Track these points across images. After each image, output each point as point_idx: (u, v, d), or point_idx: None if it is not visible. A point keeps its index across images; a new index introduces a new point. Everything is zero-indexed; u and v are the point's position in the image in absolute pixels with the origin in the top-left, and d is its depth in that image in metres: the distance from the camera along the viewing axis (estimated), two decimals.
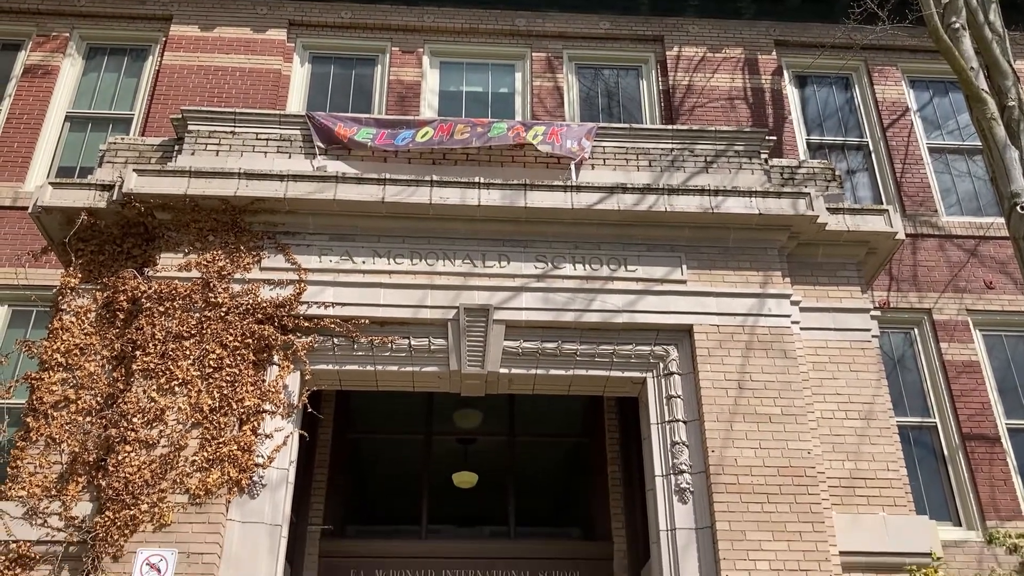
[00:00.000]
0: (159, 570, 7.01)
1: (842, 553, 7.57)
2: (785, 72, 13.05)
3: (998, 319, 10.97)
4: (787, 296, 8.44)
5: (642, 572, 8.96)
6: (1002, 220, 9.58)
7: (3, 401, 8.48)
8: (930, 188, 12.03)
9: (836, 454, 8.06)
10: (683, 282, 8.45)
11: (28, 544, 7.11)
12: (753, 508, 7.53)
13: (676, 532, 7.59)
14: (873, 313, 8.82)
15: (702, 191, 8.56)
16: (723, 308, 8.35)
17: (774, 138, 9.72)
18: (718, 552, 7.36)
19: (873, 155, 12.46)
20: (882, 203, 11.67)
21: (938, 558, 7.21)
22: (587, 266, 8.48)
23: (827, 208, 8.78)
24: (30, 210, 8.37)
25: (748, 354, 8.15)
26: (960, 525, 9.68)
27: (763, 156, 9.32)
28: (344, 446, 10.39)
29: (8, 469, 7.50)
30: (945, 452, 10.14)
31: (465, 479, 11.32)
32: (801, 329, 8.49)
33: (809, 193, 8.59)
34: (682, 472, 7.78)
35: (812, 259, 8.90)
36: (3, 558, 7.04)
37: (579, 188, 8.49)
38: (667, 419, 8.04)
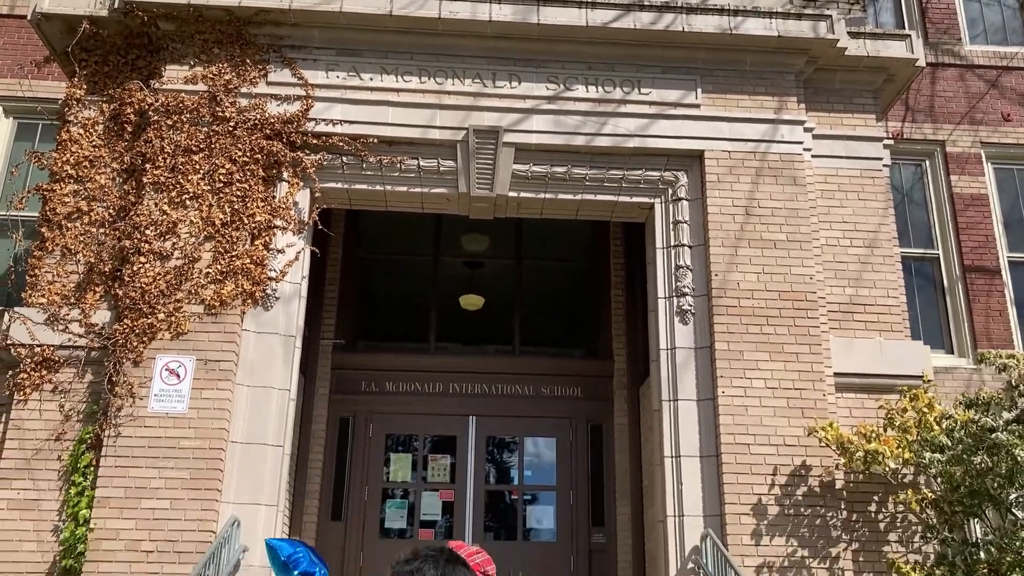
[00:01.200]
0: (178, 375, 7.31)
1: (836, 374, 7.84)
2: None
3: (1011, 152, 10.87)
4: (801, 123, 8.34)
5: (641, 388, 9.33)
6: None
7: (17, 213, 8.55)
8: (956, 15, 11.62)
9: (838, 280, 8.20)
10: (697, 106, 8.32)
11: (51, 348, 7.39)
12: (752, 330, 7.74)
13: (676, 351, 7.84)
14: (886, 142, 8.74)
15: (721, 10, 8.29)
16: (736, 134, 8.26)
17: None
18: (715, 370, 7.63)
19: None
20: (904, 29, 11.29)
21: (928, 380, 7.47)
22: (600, 88, 8.33)
23: (848, 32, 8.52)
24: (29, 17, 8.16)
25: (758, 180, 8.14)
26: (952, 353, 9.97)
27: None
28: (354, 266, 10.57)
29: (27, 277, 7.69)
30: (945, 283, 10.30)
31: (472, 301, 11.55)
32: (812, 156, 8.43)
33: (831, 15, 8.31)
34: (685, 295, 7.94)
35: (828, 85, 8.73)
36: (29, 361, 7.34)
37: (594, 4, 8.21)
38: (673, 243, 8.13)
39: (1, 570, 6.93)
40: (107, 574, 6.82)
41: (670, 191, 8.25)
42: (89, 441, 7.20)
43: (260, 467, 7.31)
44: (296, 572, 6.29)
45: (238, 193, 7.74)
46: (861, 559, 7.46)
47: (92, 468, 7.14)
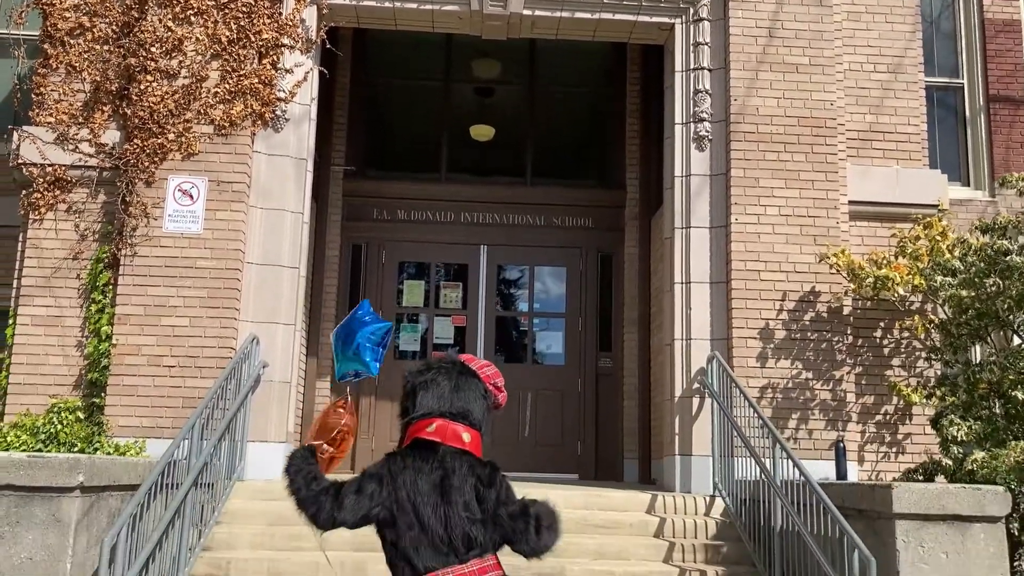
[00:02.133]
0: (191, 196, 7.31)
1: (851, 202, 7.80)
2: None
3: None
4: None
5: (652, 219, 9.32)
6: None
7: (17, 31, 8.30)
8: None
9: (859, 107, 8.03)
10: None
11: (63, 168, 7.37)
12: (769, 157, 7.64)
13: (691, 178, 7.78)
14: None
15: None
16: None
17: None
18: (730, 197, 7.59)
19: None
20: None
21: (943, 209, 7.43)
22: None
23: None
24: None
25: (783, 0, 7.82)
26: (969, 185, 9.86)
27: None
28: (362, 92, 10.34)
29: (32, 96, 7.57)
30: (967, 114, 10.05)
31: (482, 132, 11.37)
32: None
33: None
34: (702, 120, 7.80)
35: None
36: (41, 180, 7.33)
37: None
38: (692, 67, 7.91)
39: (31, 382, 7.19)
40: (131, 387, 7.07)
41: (691, 11, 7.95)
42: (106, 260, 7.29)
43: (276, 288, 7.42)
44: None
45: (243, 9, 7.50)
46: (863, 382, 7.68)
47: (111, 286, 7.26)
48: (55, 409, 7.02)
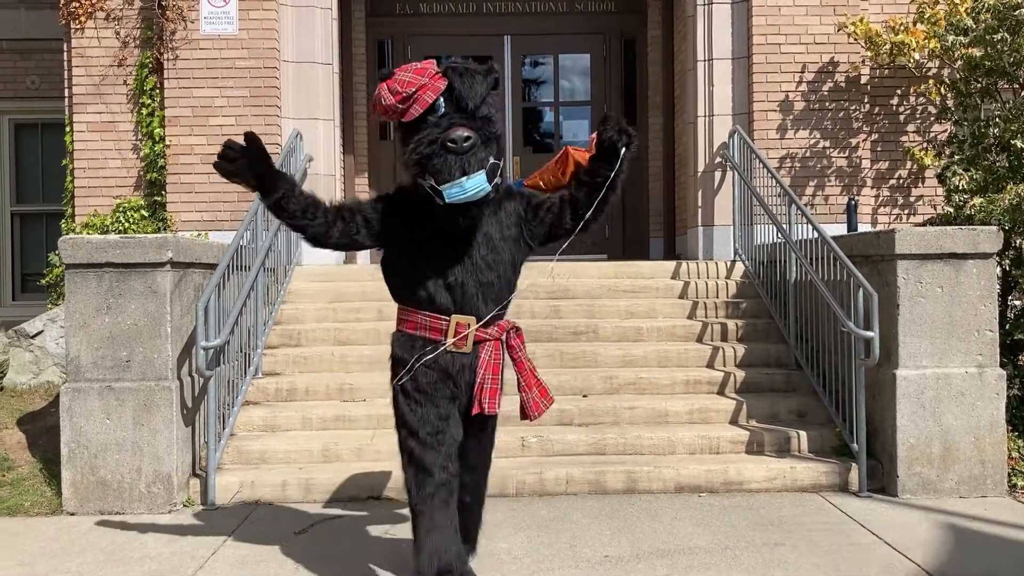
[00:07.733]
0: None
1: None
2: None
3: None
4: None
5: None
6: None
7: None
8: None
9: None
10: None
11: None
12: None
13: None
14: None
15: None
16: None
17: None
18: None
19: None
20: None
21: None
22: None
23: None
24: None
25: None
26: None
27: None
28: None
29: None
30: None
31: None
32: None
33: None
34: None
35: None
36: None
37: None
38: None
39: (94, 184, 7.71)
40: (189, 185, 7.58)
41: None
42: (150, 65, 7.61)
43: (313, 84, 7.74)
44: None
45: None
46: (879, 149, 8.01)
47: (158, 90, 7.62)
48: (120, 208, 7.59)
